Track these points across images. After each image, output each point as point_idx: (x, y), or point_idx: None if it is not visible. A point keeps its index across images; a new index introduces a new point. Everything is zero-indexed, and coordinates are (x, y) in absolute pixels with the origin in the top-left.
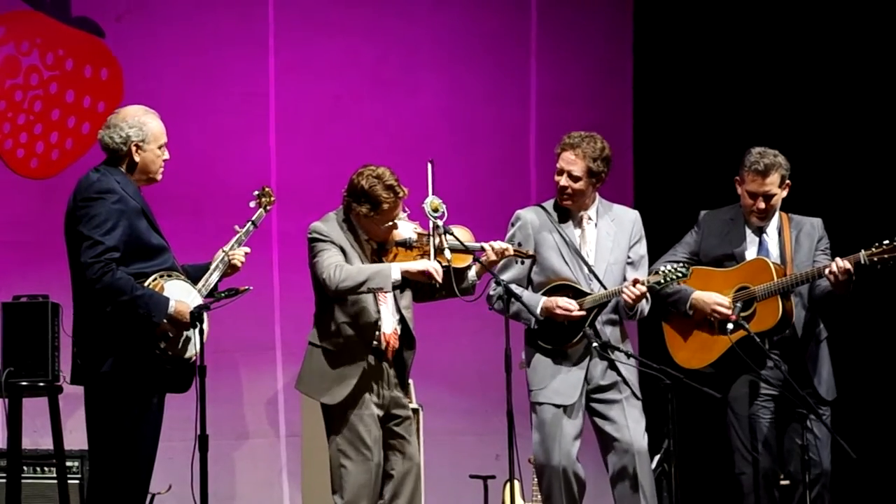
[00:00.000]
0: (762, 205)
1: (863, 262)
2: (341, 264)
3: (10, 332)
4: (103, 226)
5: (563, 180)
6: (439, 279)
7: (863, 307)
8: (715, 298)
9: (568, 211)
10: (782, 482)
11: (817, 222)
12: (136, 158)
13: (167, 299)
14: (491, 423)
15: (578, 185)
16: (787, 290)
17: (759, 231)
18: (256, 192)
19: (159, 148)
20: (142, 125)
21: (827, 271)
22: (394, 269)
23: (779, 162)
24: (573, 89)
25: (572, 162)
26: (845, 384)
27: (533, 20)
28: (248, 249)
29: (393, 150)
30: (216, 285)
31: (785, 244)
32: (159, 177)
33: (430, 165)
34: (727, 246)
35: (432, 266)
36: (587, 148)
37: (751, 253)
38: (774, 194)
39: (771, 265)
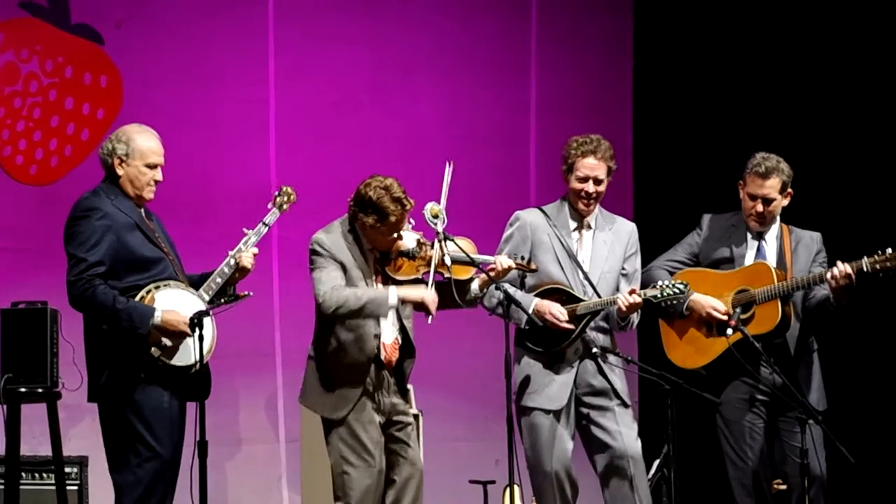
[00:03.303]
0: (760, 208)
1: (865, 268)
2: (338, 286)
3: (9, 338)
4: (87, 242)
5: (591, 186)
6: (434, 313)
7: (853, 318)
8: (711, 302)
9: (567, 216)
10: (779, 487)
11: (817, 236)
12: (119, 172)
13: (152, 310)
14: (490, 429)
15: (602, 189)
16: (788, 295)
17: (759, 237)
18: (275, 193)
19: (146, 166)
20: (129, 141)
21: (828, 275)
22: (391, 296)
23: (781, 168)
24: (573, 96)
25: (596, 167)
26: (835, 394)
27: (533, 27)
28: (256, 250)
29: (393, 156)
30: (223, 287)
31: (785, 252)
32: (147, 195)
33: (448, 166)
34: (726, 250)
35: (430, 298)
36: (604, 150)
37: (749, 258)
38: (774, 199)
39: (772, 269)
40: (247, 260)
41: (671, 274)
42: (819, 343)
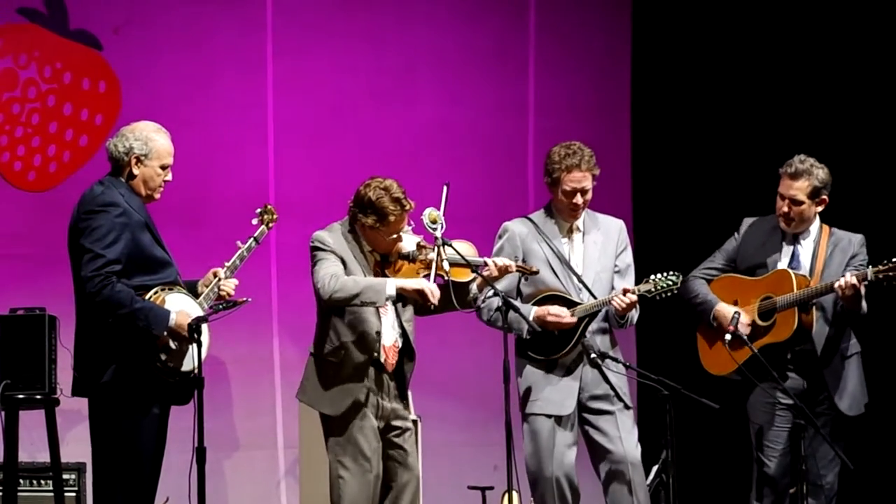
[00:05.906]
0: (786, 208)
1: (870, 278)
2: (338, 274)
3: (7, 344)
4: (105, 239)
5: (578, 199)
6: (434, 301)
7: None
8: (730, 312)
9: (556, 222)
10: (790, 491)
11: (857, 238)
12: (136, 171)
13: (167, 312)
14: (489, 434)
15: (589, 196)
16: (805, 302)
17: (794, 240)
18: (259, 210)
19: (161, 167)
20: (147, 140)
21: (836, 286)
22: (389, 285)
23: (813, 172)
24: (571, 100)
25: (581, 179)
26: (877, 398)
27: (531, 30)
28: (236, 282)
29: (391, 160)
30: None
31: (818, 256)
32: (157, 195)
33: (445, 188)
34: (761, 254)
35: (428, 287)
36: (588, 160)
37: (783, 263)
38: (802, 202)
39: (793, 276)
40: (227, 290)
41: (708, 282)
42: (861, 346)
